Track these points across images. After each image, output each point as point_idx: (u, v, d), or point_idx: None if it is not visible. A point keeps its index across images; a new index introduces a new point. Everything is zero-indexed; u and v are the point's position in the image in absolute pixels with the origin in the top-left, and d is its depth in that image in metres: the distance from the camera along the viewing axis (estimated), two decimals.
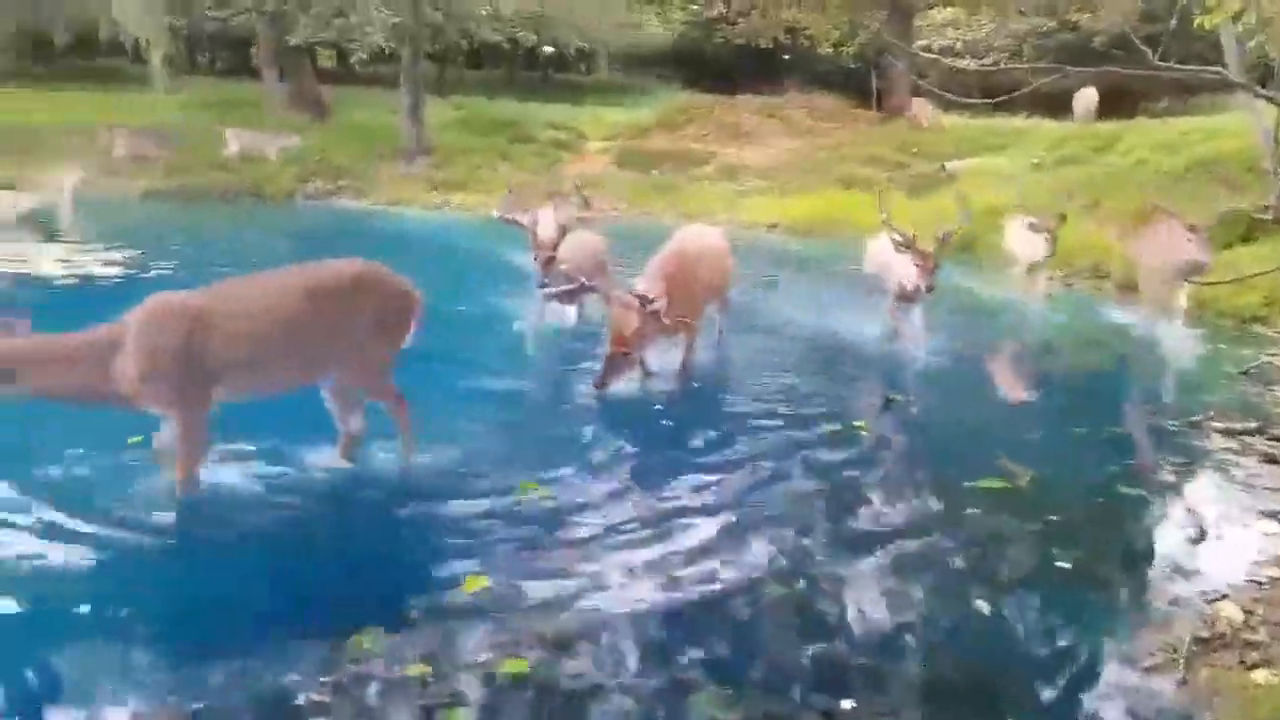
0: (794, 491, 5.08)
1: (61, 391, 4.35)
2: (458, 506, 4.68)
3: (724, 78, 28.42)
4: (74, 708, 3.19)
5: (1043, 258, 9.59)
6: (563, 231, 7.56)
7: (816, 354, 8.05)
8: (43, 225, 12.80)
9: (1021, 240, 9.83)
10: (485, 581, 3.94)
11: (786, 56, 28.64)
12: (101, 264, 10.82)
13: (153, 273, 10.30)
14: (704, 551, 4.34)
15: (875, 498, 5.07)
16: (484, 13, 23.85)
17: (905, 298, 7.82)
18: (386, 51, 22.19)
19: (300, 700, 3.20)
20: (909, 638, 3.80)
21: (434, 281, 8.94)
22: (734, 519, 4.68)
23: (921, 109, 21.97)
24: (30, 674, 3.32)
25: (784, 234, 15.59)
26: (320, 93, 23.64)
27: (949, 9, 27.23)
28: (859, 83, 26.82)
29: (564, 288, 7.37)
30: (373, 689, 3.29)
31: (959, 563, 4.39)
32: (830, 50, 27.19)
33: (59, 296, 9.28)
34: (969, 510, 4.88)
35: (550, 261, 7.43)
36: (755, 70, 28.59)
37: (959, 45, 27.12)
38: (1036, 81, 17.56)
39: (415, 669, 3.36)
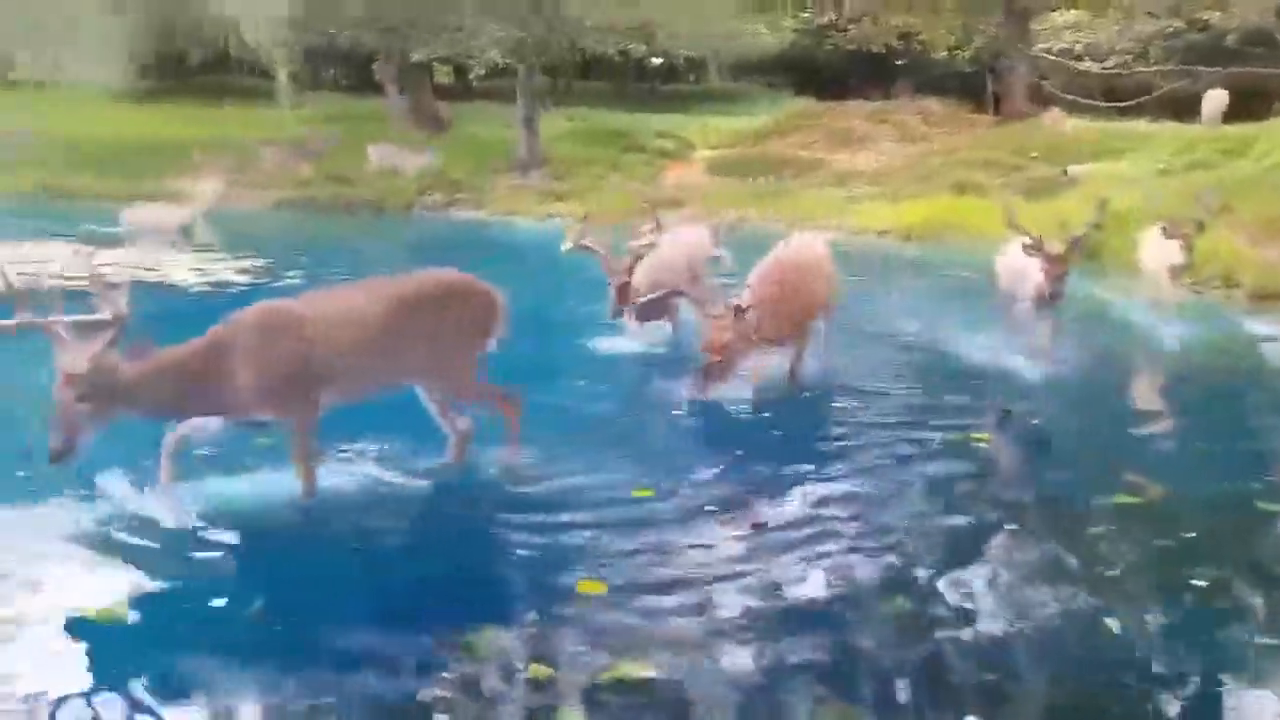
0: (910, 504, 4.98)
1: (170, 408, 4.49)
2: (571, 511, 4.72)
3: (834, 84, 28.12)
4: (207, 701, 3.32)
5: (1178, 266, 9.18)
6: (636, 258, 7.48)
7: (931, 363, 7.85)
8: (192, 236, 13.41)
9: (1156, 248, 9.43)
10: (600, 586, 3.97)
11: (899, 62, 28.20)
12: (234, 272, 11.33)
13: (281, 280, 10.70)
14: (816, 562, 4.29)
15: (996, 512, 4.93)
16: (593, 25, 24.12)
17: (1038, 303, 7.34)
18: (501, 66, 22.66)
19: (423, 696, 3.28)
20: (1034, 657, 3.68)
21: (539, 290, 9.09)
22: (847, 531, 4.62)
23: (1053, 117, 21.30)
24: (160, 669, 3.45)
25: (896, 240, 15.33)
26: (438, 108, 24.27)
27: (1071, 11, 26.37)
28: (973, 87, 26.20)
29: (652, 295, 7.25)
30: (493, 688, 3.35)
31: (1088, 581, 4.23)
32: (944, 55, 26.69)
33: (193, 304, 9.74)
34: (1097, 526, 4.71)
35: (625, 289, 7.34)
36: (866, 76, 28.22)
37: (1079, 48, 26.24)
38: (1167, 86, 16.91)
39: (535, 669, 3.41)
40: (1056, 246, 7.08)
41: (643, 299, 7.35)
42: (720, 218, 9.43)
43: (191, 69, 29.09)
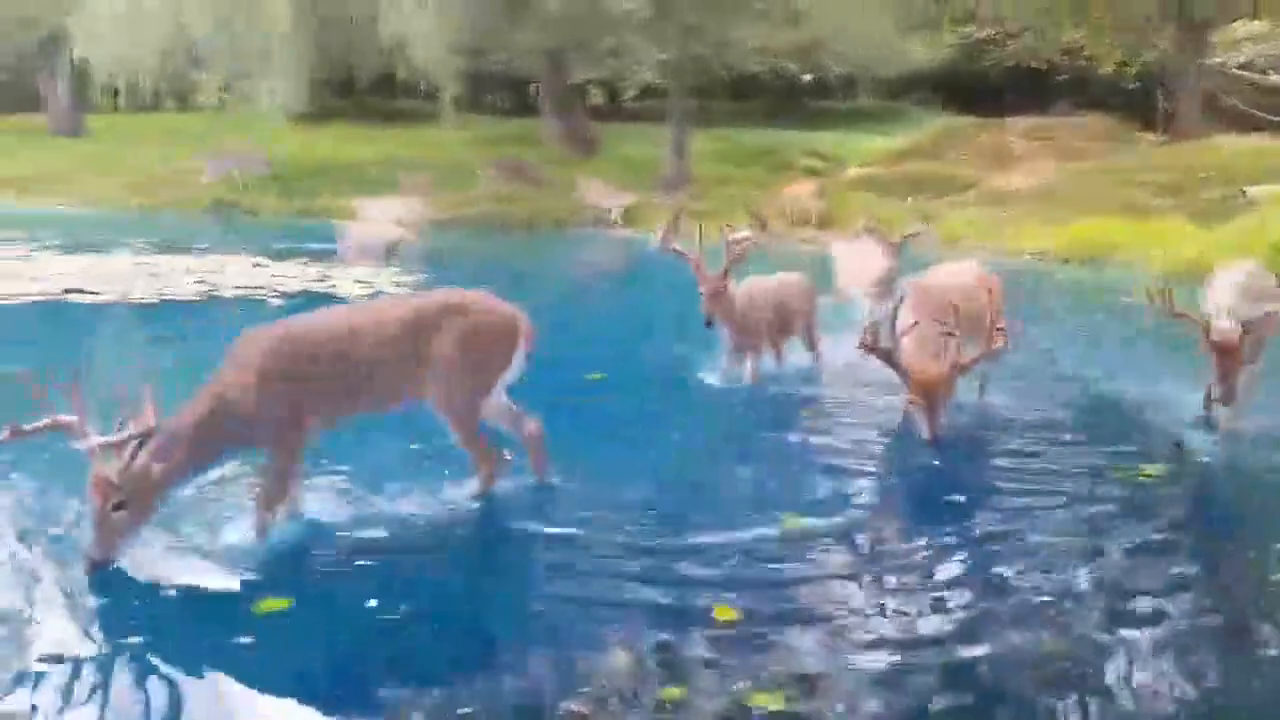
0: (1068, 542, 4.76)
1: (209, 462, 4.48)
2: (711, 538, 4.71)
3: (990, 100, 27.38)
4: (347, 707, 3.44)
5: None
6: (735, 260, 7.00)
7: (1092, 394, 7.44)
8: (396, 254, 13.93)
9: None
10: (734, 614, 3.97)
11: (1061, 78, 27.21)
12: (393, 285, 11.87)
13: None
14: (966, 603, 4.15)
15: (1161, 554, 4.65)
16: (753, 46, 24.23)
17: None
18: (654, 87, 23.00)
19: (560, 712, 3.37)
20: (1199, 709, 3.48)
21: (672, 308, 9.10)
22: (1001, 569, 4.46)
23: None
24: (302, 676, 3.61)
25: (1053, 263, 14.81)
26: (590, 130, 24.81)
27: (1254, 22, 24.84)
28: (1138, 104, 25.04)
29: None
30: (629, 705, 3.42)
31: (1267, 638, 3.96)
32: (1111, 70, 25.62)
33: None
34: (1271, 573, 4.44)
35: (718, 295, 6.89)
36: (1024, 92, 27.36)
37: (1261, 61, 24.69)
38: None
39: (669, 691, 3.47)
40: (1230, 335, 5.81)
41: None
42: (893, 233, 8.94)
43: (359, 92, 30.64)
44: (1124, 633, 3.90)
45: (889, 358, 5.82)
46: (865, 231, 8.79)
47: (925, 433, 5.75)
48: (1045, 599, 4.17)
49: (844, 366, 7.70)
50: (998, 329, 6.01)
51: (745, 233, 7.37)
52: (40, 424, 4.03)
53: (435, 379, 4.77)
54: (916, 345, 5.85)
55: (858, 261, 8.87)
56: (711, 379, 7.44)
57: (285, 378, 4.46)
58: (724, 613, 3.97)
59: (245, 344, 4.50)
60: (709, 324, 6.99)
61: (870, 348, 5.86)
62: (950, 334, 5.72)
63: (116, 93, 26.83)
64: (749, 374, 7.44)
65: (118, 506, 3.98)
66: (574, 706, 3.37)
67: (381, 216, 15.16)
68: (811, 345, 7.94)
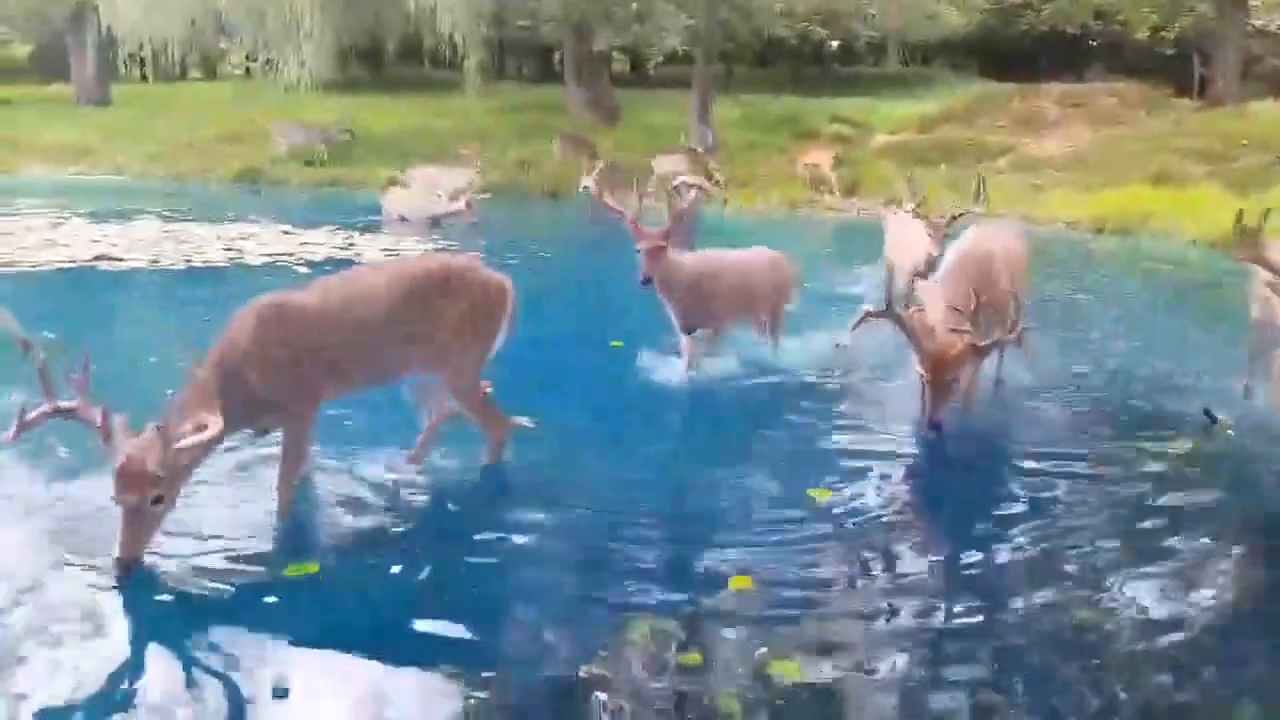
0: (1095, 511, 4.73)
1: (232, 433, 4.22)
2: (730, 508, 4.75)
3: (1022, 66, 26.93)
4: (371, 664, 3.47)
5: None
6: (678, 215, 6.33)
7: (1126, 369, 7.26)
8: (439, 225, 13.83)
9: None
10: (749, 582, 3.96)
11: (1093, 43, 26.71)
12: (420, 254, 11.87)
13: None
14: (985, 577, 4.15)
15: (1188, 530, 4.56)
16: (778, 9, 23.88)
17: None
18: (680, 53, 22.76)
19: (582, 672, 3.38)
20: (1221, 678, 3.44)
21: None
22: (1026, 539, 4.44)
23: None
24: (333, 630, 3.68)
25: (1087, 232, 14.60)
26: (613, 98, 24.60)
27: None
28: (1174, 70, 24.53)
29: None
30: (647, 670, 3.42)
31: None
32: (1146, 36, 25.12)
33: None
34: None
35: (656, 254, 6.18)
36: (1057, 58, 26.89)
37: None
38: None
39: (688, 657, 3.47)
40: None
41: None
42: (938, 212, 8.29)
43: (385, 61, 30.55)
44: (1138, 595, 3.88)
45: (900, 322, 5.27)
46: (911, 211, 8.24)
47: (926, 412, 5.28)
48: (1069, 569, 4.14)
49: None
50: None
51: (689, 178, 6.46)
52: (44, 408, 3.76)
53: (441, 349, 4.67)
54: (941, 317, 5.36)
55: (905, 236, 8.39)
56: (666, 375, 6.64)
57: (284, 344, 4.26)
58: (740, 582, 3.97)
59: (242, 313, 4.27)
60: (646, 282, 6.25)
61: (881, 313, 5.29)
62: (964, 330, 5.16)
63: (143, 63, 26.81)
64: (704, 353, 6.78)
65: (156, 500, 3.71)
66: (594, 670, 3.38)
67: (428, 186, 14.91)
68: (772, 332, 7.08)
